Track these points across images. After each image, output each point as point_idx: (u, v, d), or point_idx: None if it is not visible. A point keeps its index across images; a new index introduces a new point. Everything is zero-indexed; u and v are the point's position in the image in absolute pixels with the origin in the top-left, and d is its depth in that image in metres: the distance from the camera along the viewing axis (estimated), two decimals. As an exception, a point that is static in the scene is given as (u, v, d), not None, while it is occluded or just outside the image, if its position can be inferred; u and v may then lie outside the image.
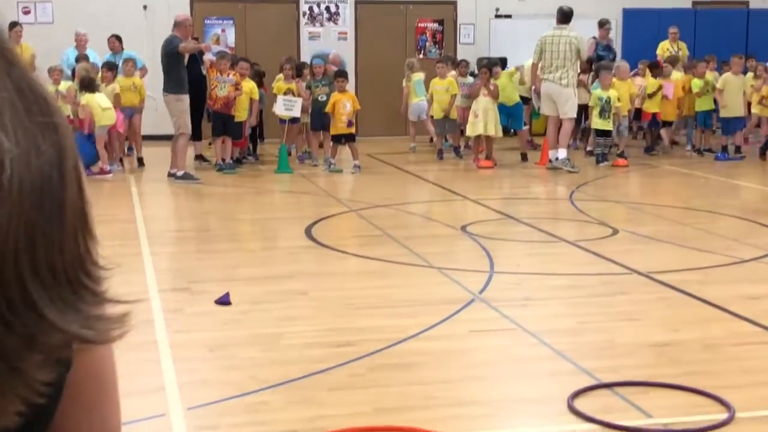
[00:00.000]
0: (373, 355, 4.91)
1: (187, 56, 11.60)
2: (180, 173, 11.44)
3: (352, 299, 6.05)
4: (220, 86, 12.09)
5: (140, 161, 12.80)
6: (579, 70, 12.67)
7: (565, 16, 12.40)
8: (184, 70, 11.48)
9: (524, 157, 13.22)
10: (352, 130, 12.40)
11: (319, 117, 12.69)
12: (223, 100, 12.05)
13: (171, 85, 11.35)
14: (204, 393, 4.38)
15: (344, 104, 12.20)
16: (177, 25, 11.66)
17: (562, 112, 12.46)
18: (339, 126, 12.21)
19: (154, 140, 13.52)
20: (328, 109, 12.28)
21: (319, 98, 12.64)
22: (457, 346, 5.11)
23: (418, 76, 14.38)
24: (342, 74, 12.47)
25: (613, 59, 14.22)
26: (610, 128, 12.79)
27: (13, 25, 12.85)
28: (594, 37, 14.39)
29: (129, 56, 13.02)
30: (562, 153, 12.29)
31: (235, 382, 4.51)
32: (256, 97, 12.58)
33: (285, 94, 12.64)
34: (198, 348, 5.09)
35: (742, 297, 6.03)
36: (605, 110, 12.71)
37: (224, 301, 5.79)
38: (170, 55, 11.36)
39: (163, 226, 9.06)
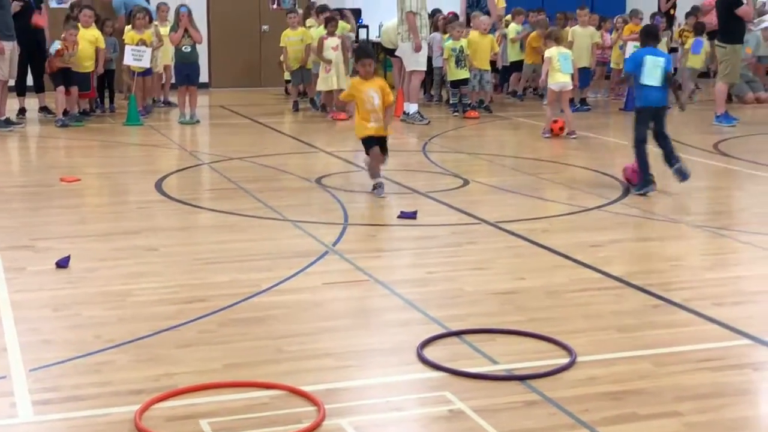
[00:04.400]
0: (225, 310, 4.86)
1: (13, 3, 11.45)
2: None
3: (203, 254, 5.97)
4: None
5: None
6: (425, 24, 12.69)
7: None
8: (6, 17, 11.35)
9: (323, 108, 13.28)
10: None
11: (183, 69, 12.29)
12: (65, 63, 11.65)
13: None
14: (47, 353, 4.24)
15: None
16: None
17: (405, 66, 12.58)
18: None
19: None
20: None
21: (183, 49, 12.21)
22: (310, 299, 5.11)
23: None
24: None
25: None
26: (467, 76, 13.08)
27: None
28: None
29: None
30: (412, 108, 12.42)
31: (79, 342, 4.39)
32: (102, 45, 12.13)
33: (137, 44, 12.20)
34: (41, 307, 4.93)
35: (584, 244, 6.24)
36: (460, 60, 12.98)
37: (62, 264, 5.60)
38: None
39: (5, 181, 8.66)
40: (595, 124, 12.63)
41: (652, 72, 7.84)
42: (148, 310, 4.87)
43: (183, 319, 4.70)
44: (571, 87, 11.56)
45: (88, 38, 11.91)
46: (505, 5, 15.57)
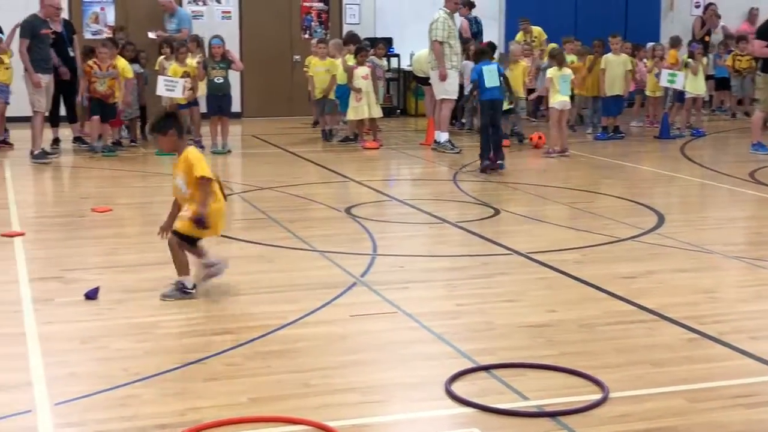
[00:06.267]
0: (251, 343, 4.82)
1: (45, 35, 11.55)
2: (36, 151, 11.36)
3: (232, 285, 5.94)
4: (99, 81, 11.72)
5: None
6: (459, 51, 12.69)
7: None
8: (44, 50, 11.50)
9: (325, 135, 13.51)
10: None
11: (215, 100, 12.33)
12: (101, 94, 11.71)
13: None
14: (73, 387, 4.22)
15: None
16: (41, 3, 11.76)
17: (435, 94, 12.60)
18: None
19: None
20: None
21: (216, 80, 12.25)
22: (337, 332, 5.06)
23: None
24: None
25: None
26: (509, 107, 13.05)
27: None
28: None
29: None
30: (442, 136, 12.40)
31: (106, 375, 4.36)
32: (130, 75, 12.20)
33: (182, 76, 12.22)
34: (69, 340, 4.91)
35: (618, 276, 6.14)
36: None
37: (91, 296, 5.59)
38: (22, 35, 11.43)
39: (38, 212, 8.72)
40: (629, 152, 12.52)
41: (491, 76, 10.59)
42: (176, 343, 4.84)
43: (210, 351, 4.67)
44: (569, 107, 12.31)
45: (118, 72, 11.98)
46: (546, 36, 15.70)
